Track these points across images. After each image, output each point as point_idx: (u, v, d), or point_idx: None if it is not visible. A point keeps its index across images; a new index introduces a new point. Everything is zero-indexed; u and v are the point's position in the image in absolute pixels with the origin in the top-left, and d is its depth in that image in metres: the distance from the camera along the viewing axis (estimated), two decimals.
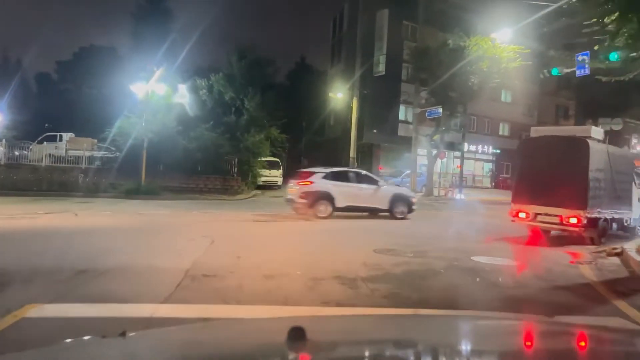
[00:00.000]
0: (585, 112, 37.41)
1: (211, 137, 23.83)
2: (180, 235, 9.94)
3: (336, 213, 14.21)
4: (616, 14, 9.15)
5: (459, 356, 1.67)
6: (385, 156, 35.45)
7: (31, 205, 15.23)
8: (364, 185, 15.02)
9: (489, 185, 40.76)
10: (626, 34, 9.40)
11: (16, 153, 23.72)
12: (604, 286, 6.75)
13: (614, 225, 11.78)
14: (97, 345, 1.59)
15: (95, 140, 25.09)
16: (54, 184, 21.28)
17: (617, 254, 9.22)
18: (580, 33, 11.40)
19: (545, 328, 2.27)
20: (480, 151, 39.75)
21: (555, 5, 12.91)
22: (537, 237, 11.33)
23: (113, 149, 22.97)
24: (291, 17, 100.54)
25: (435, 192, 29.29)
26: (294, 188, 14.69)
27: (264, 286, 5.90)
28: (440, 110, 27.20)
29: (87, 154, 23.72)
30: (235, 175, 24.68)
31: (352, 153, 30.79)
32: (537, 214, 11.12)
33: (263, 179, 27.78)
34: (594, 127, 11.91)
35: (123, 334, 1.52)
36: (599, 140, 11.55)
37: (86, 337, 1.67)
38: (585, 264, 8.56)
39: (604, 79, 11.80)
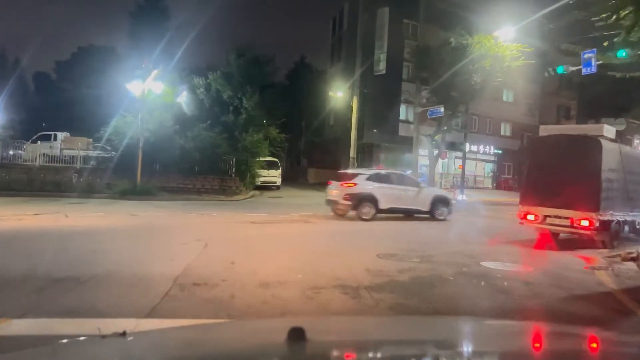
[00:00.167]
0: (587, 112, 36.95)
1: (209, 136, 23.29)
2: (172, 239, 9.48)
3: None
4: (632, 7, 8.70)
5: (460, 357, 1.64)
6: (386, 156, 34.91)
7: (22, 206, 14.73)
8: (406, 187, 14.97)
9: (490, 186, 40.28)
10: None
11: (10, 152, 23.33)
12: (626, 295, 6.28)
13: (626, 228, 11.33)
14: (97, 345, 1.58)
15: (91, 140, 24.68)
16: (47, 184, 20.76)
17: (633, 259, 8.75)
18: (586, 30, 10.98)
19: (552, 330, 2.22)
20: (481, 151, 39.22)
21: (564, 1, 12.46)
22: (546, 240, 10.92)
23: (108, 148, 22.38)
24: (291, 16, 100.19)
25: None
26: (336, 189, 14.50)
27: (259, 296, 5.43)
28: (442, 109, 26.74)
29: (82, 153, 23.22)
30: (233, 175, 24.19)
31: (352, 153, 30.33)
32: (546, 216, 10.73)
33: (261, 179, 27.24)
34: (606, 126, 11.37)
35: (123, 334, 1.51)
36: (611, 140, 11.03)
37: (86, 337, 1.68)
38: (601, 269, 8.10)
39: (617, 75, 11.32)
